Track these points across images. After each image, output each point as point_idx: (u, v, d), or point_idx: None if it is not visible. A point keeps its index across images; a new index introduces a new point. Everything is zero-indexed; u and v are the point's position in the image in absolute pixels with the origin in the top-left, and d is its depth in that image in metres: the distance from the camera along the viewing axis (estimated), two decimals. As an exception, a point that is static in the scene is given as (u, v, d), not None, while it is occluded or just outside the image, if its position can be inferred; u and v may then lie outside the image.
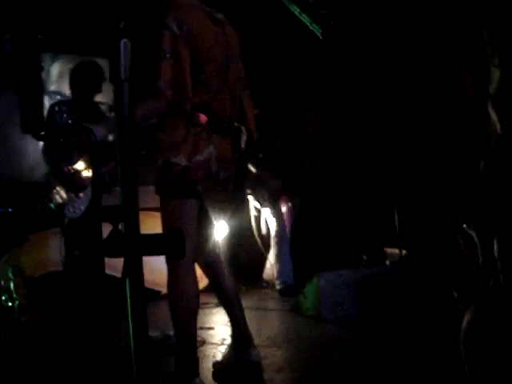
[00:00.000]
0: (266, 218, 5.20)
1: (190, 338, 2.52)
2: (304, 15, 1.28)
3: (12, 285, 3.92)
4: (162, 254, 1.06)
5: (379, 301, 4.02)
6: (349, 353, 3.21)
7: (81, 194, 3.66)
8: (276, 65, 5.35)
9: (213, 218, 2.79)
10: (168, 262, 2.51)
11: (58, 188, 3.84)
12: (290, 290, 4.95)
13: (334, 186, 5.59)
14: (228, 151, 2.68)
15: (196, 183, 2.54)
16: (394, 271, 4.27)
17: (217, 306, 4.59)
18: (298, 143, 5.27)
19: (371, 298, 3.99)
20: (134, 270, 1.06)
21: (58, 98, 5.12)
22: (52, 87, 5.25)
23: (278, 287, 5.04)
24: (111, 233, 1.03)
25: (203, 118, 2.54)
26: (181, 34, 2.43)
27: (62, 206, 3.75)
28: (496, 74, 1.49)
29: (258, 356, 2.77)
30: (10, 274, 3.91)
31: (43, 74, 5.54)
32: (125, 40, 1.24)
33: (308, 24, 1.24)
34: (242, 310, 2.81)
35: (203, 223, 2.75)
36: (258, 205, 5.18)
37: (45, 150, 4.02)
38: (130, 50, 1.28)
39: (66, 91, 5.10)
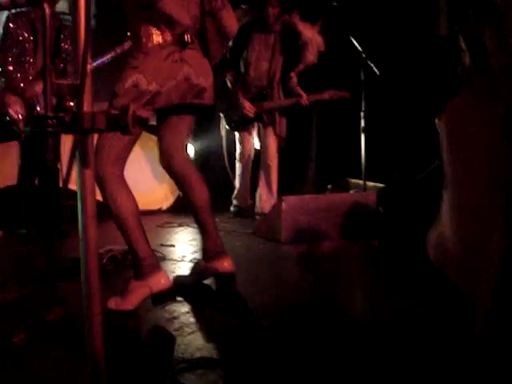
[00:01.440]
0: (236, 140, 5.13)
1: (141, 241, 2.48)
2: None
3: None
4: (109, 130, 1.03)
5: (341, 225, 4.09)
6: (306, 274, 3.28)
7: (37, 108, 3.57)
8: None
9: (183, 128, 2.74)
10: (101, 176, 2.43)
11: (13, 100, 3.73)
12: (242, 212, 5.04)
13: (301, 115, 5.53)
14: (204, 63, 2.63)
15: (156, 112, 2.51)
16: (356, 198, 4.32)
17: (179, 225, 4.64)
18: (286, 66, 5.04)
19: (333, 223, 4.06)
20: (84, 148, 1.03)
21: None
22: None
23: (231, 209, 5.13)
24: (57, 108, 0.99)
25: (168, 34, 2.46)
26: None
27: (17, 120, 3.65)
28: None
29: (231, 265, 2.74)
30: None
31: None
32: None
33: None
34: (213, 221, 2.78)
35: (173, 131, 2.71)
36: (227, 126, 5.08)
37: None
38: None
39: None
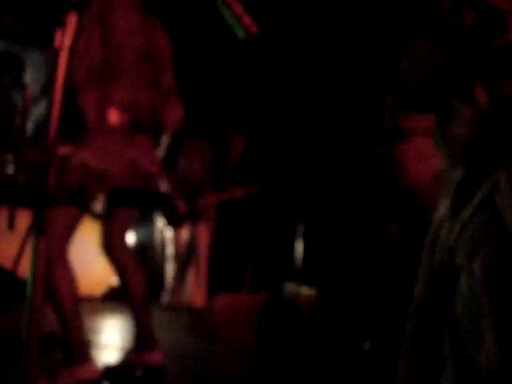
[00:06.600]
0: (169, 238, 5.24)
1: (76, 329, 2.47)
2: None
3: None
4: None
5: (273, 328, 4.11)
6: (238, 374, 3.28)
7: None
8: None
9: (127, 217, 2.79)
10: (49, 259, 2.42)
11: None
12: (173, 306, 5.09)
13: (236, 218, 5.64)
14: (153, 150, 2.71)
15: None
16: (290, 304, 4.39)
17: (111, 312, 4.56)
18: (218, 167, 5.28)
19: (266, 326, 4.08)
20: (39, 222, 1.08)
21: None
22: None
23: (162, 303, 5.18)
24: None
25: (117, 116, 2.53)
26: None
27: None
28: None
29: (161, 359, 2.72)
30: None
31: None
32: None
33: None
34: (148, 311, 2.78)
35: (117, 219, 2.75)
36: (163, 223, 5.23)
37: None
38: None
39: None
